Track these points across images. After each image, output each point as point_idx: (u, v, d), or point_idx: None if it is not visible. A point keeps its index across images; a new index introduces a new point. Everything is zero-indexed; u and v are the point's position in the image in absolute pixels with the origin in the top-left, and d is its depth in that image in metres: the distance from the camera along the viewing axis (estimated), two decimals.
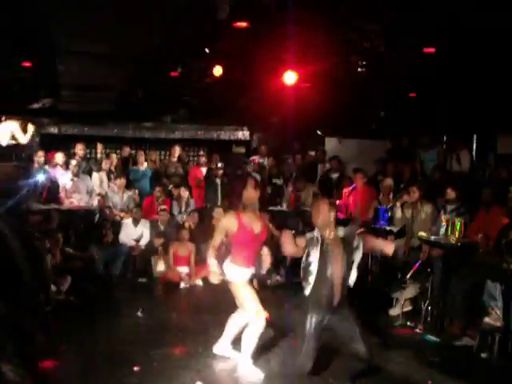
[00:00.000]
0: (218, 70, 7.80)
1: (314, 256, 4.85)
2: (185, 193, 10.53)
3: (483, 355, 6.14)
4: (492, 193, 7.25)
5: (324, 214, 4.86)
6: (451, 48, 5.93)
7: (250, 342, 5.39)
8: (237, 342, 5.71)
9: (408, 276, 7.40)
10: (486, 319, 6.14)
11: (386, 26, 5.50)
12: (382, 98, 9.41)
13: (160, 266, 9.44)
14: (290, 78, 7.12)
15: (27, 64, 7.72)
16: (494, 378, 5.64)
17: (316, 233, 4.92)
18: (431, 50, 5.99)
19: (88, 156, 11.63)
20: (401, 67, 6.75)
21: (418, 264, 7.30)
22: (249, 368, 5.39)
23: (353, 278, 4.92)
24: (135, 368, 5.42)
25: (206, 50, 6.89)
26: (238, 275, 5.30)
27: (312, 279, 4.86)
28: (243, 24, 5.60)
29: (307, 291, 4.92)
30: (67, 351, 5.79)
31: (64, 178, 9.88)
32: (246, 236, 5.16)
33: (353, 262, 4.90)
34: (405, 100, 9.42)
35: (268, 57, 6.66)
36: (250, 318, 5.33)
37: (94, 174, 10.60)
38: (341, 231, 4.97)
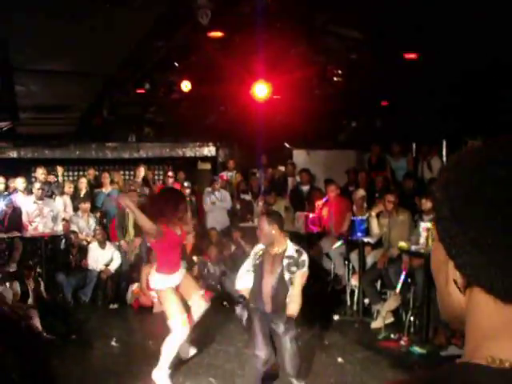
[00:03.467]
0: (186, 85, 7.54)
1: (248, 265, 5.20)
2: None
3: None
4: None
5: (264, 229, 4.92)
6: (430, 55, 5.83)
7: (170, 350, 5.44)
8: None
9: (398, 290, 7.21)
10: None
11: (365, 33, 5.35)
12: (354, 108, 9.29)
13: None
14: (261, 90, 6.93)
15: None
16: None
17: (260, 247, 5.11)
18: (413, 55, 5.87)
19: (50, 180, 11.18)
20: (378, 75, 6.62)
21: (403, 276, 7.15)
22: (163, 379, 5.41)
23: (293, 305, 4.85)
24: None
25: (176, 64, 6.62)
26: (162, 283, 5.54)
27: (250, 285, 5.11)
28: (218, 34, 5.38)
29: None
30: None
31: (26, 204, 9.43)
32: (170, 239, 5.47)
33: (287, 281, 4.89)
34: (377, 109, 9.32)
35: (239, 69, 6.45)
36: (173, 325, 5.43)
37: (58, 199, 10.20)
38: (291, 249, 4.97)
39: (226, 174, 12.09)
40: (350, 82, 6.83)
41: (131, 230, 9.74)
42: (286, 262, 4.88)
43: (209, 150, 13.46)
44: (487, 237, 0.72)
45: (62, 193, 10.38)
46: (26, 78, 5.66)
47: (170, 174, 11.44)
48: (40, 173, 10.25)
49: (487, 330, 0.74)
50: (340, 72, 6.51)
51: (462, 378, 0.72)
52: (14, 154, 11.58)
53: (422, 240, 6.80)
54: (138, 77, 6.69)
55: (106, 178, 11.01)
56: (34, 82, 5.94)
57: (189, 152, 13.27)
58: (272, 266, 4.93)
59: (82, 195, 10.47)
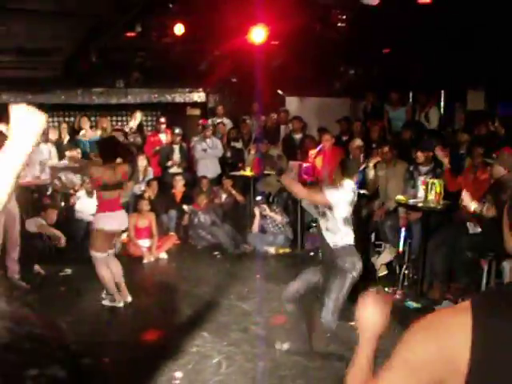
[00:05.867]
0: (179, 29, 7.13)
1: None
2: (143, 162, 9.95)
3: None
4: (483, 152, 6.82)
5: None
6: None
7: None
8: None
9: (401, 248, 7.11)
10: None
11: None
12: (354, 54, 8.90)
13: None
14: (258, 35, 6.57)
15: None
16: None
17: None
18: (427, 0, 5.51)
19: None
20: (385, 21, 6.26)
21: (403, 233, 7.02)
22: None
23: None
24: (105, 360, 4.99)
25: (170, 6, 6.21)
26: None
27: None
28: None
29: None
30: (29, 348, 5.26)
31: None
32: None
33: None
34: (376, 56, 8.95)
35: (236, 12, 6.07)
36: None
37: (42, 146, 9.83)
38: None
39: (214, 120, 11.79)
40: (354, 29, 6.46)
41: None
42: None
43: (198, 96, 13.09)
44: None
45: (47, 140, 10.01)
46: (6, 17, 5.25)
47: (163, 120, 11.11)
48: None
49: None
50: (345, 17, 6.14)
51: None
52: None
53: (421, 193, 6.65)
54: (129, 19, 6.27)
55: (85, 122, 10.57)
56: (15, 22, 5.53)
57: (178, 97, 12.89)
58: None
59: (65, 142, 10.13)
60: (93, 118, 11.68)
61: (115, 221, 6.18)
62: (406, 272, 7.07)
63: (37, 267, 7.64)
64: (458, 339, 1.15)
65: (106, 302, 6.48)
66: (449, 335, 1.17)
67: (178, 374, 4.71)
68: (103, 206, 6.14)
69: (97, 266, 6.21)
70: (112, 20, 6.08)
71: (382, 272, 7.44)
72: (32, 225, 7.77)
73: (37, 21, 5.54)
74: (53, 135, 10.11)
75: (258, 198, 9.25)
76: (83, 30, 6.26)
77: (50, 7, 5.02)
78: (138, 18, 6.37)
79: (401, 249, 7.11)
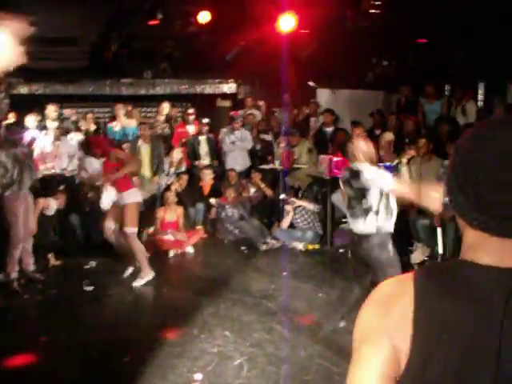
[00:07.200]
0: (204, 17, 6.92)
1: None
2: (178, 154, 9.82)
3: None
4: None
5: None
6: None
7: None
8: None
9: (441, 250, 6.82)
10: None
11: None
12: (388, 45, 8.55)
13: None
14: (287, 23, 6.32)
15: None
16: None
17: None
18: None
19: (62, 117, 10.67)
20: (422, 7, 5.92)
21: (440, 233, 6.72)
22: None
23: None
24: (125, 358, 4.85)
25: None
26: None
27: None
28: None
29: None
30: (48, 342, 5.18)
31: (42, 143, 8.99)
32: None
33: None
34: (411, 47, 8.58)
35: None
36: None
37: (70, 137, 9.73)
38: None
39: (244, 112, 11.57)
40: (389, 16, 6.13)
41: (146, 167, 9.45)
42: None
43: (229, 87, 12.86)
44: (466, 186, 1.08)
45: (72, 130, 9.91)
46: (26, 5, 5.12)
47: (191, 111, 10.94)
48: (52, 110, 9.69)
49: (467, 245, 1.14)
50: (378, 3, 5.82)
51: (461, 268, 1.12)
52: (25, 90, 11.04)
53: None
54: (149, 6, 6.07)
55: (119, 109, 10.37)
56: (35, 12, 5.38)
57: (208, 89, 12.69)
58: None
59: (91, 132, 10.03)
60: None
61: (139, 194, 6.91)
62: None
63: (51, 257, 7.61)
64: (400, 313, 1.12)
65: (138, 283, 6.71)
66: (392, 309, 1.14)
67: (197, 376, 4.53)
68: (130, 183, 6.72)
69: (134, 241, 6.65)
70: (132, 7, 5.89)
71: None
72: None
73: (55, 9, 5.39)
74: (82, 126, 10.02)
75: (282, 196, 9.08)
76: (103, 18, 6.08)
77: None
78: (159, 5, 6.16)
79: (440, 250, 6.83)
